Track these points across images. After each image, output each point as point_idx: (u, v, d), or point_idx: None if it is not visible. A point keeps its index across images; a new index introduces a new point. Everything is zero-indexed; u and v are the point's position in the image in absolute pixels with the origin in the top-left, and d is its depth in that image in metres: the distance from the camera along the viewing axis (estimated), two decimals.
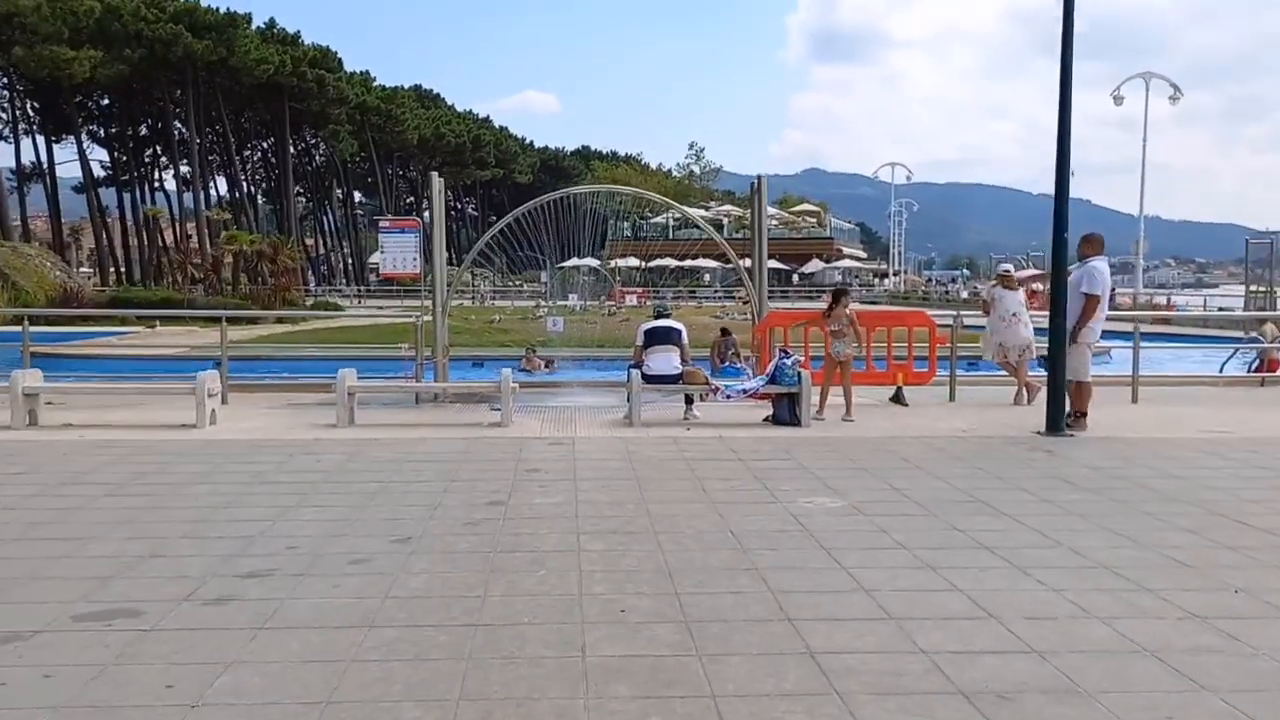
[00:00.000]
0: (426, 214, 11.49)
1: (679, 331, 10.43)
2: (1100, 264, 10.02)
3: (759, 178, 12.61)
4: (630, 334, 25.60)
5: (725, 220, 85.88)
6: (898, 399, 11.82)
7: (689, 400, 10.51)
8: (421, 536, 5.63)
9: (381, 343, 21.26)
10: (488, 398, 10.97)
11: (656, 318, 10.63)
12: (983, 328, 12.28)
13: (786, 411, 10.02)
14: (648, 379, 10.07)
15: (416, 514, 6.18)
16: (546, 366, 20.13)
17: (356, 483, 7.18)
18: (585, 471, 7.60)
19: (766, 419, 10.27)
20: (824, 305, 11.26)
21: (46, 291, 31.87)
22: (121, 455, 8.23)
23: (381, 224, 12.36)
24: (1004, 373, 12.29)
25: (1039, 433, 9.51)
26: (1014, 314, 11.72)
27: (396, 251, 12.22)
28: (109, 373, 17.52)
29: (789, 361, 10.02)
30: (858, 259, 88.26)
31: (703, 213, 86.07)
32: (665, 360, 10.22)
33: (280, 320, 34.28)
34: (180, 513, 6.20)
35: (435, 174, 12.45)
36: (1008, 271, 12.04)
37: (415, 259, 12.17)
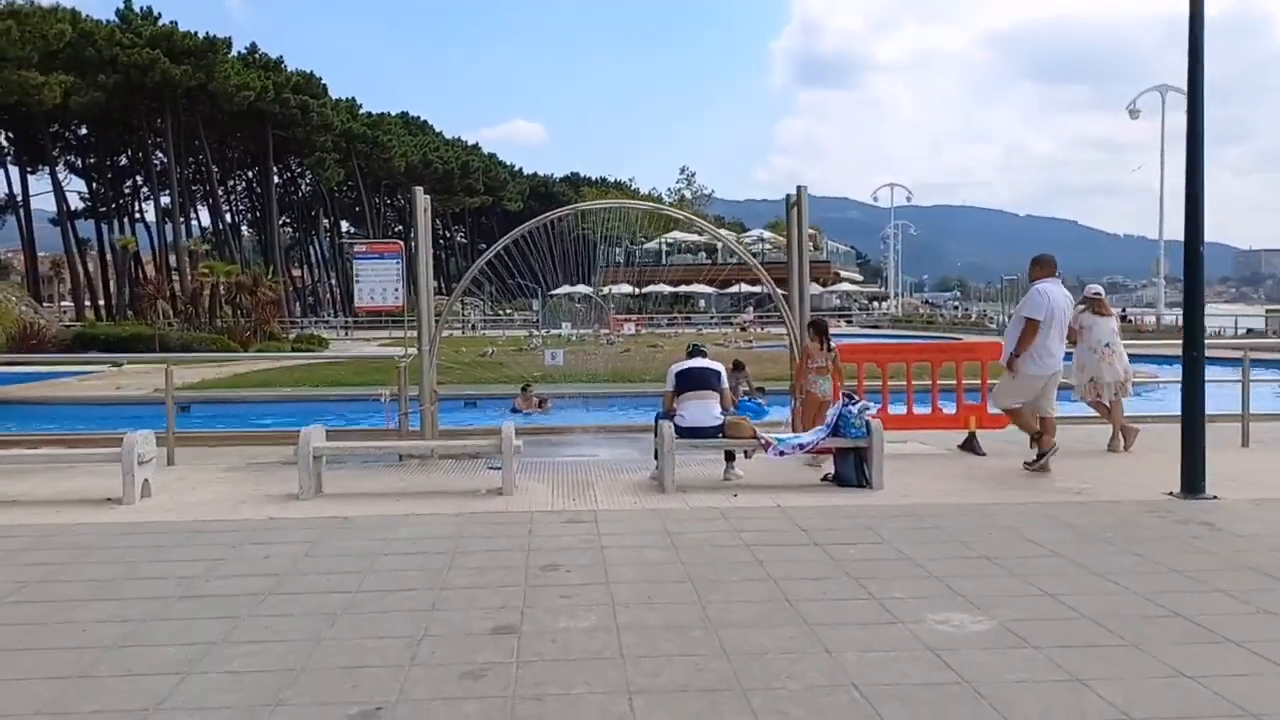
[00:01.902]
0: (414, 238, 9.61)
1: (718, 374, 8.57)
2: (1048, 286, 8.89)
3: (798, 189, 10.80)
4: (633, 366, 23.82)
5: (719, 246, 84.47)
6: (970, 447, 9.99)
7: (730, 456, 8.65)
8: (397, 705, 3.74)
9: (365, 383, 19.35)
10: (484, 453, 9.08)
11: (690, 356, 8.78)
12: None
13: (852, 470, 8.17)
14: (683, 432, 8.20)
15: (392, 655, 4.29)
16: (540, 406, 18.26)
17: (313, 595, 5.27)
18: (620, 568, 5.71)
19: (826, 478, 8.43)
20: (815, 339, 9.60)
21: (6, 329, 29.86)
22: (9, 551, 6.31)
23: (356, 249, 10.49)
24: (1089, 410, 10.48)
25: (1172, 494, 7.66)
26: (1107, 345, 9.92)
27: (374, 281, 10.36)
28: (50, 422, 15.62)
29: (854, 408, 8.17)
30: (854, 282, 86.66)
31: (697, 238, 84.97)
32: (704, 409, 8.35)
33: (260, 353, 32.35)
34: (49, 660, 4.30)
35: (419, 189, 10.61)
36: (1098, 294, 10.22)
37: (397, 289, 10.32)
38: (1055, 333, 8.92)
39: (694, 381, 8.45)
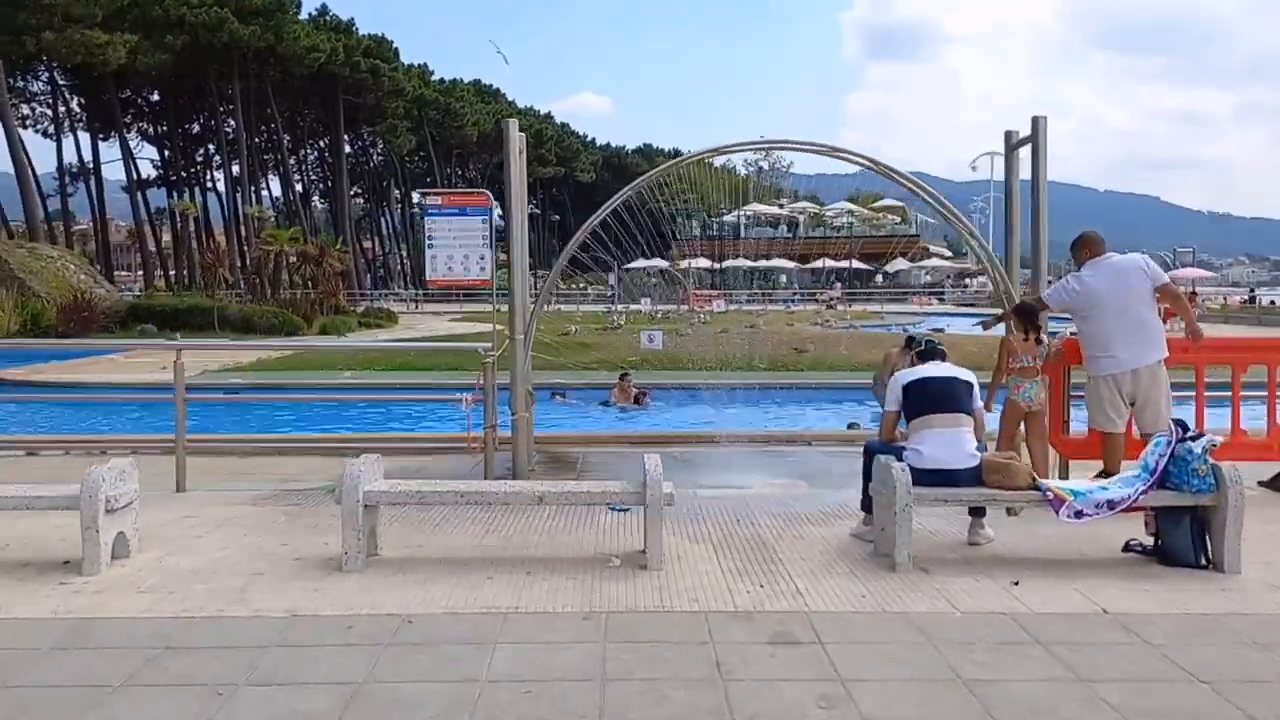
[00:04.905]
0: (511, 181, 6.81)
1: (970, 387, 5.66)
2: (1087, 272, 6.71)
3: (1034, 120, 7.78)
4: (738, 349, 20.89)
5: (801, 217, 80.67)
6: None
7: (979, 511, 5.77)
8: None
9: (436, 369, 16.75)
10: (617, 504, 6.28)
11: (921, 355, 5.88)
12: None
13: (1188, 540, 5.25)
14: (921, 476, 5.31)
15: None
16: (639, 401, 15.50)
17: None
18: None
19: (1133, 547, 5.53)
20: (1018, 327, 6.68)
21: (57, 298, 28.00)
22: None
23: (429, 202, 7.76)
24: None
25: None
26: None
27: (452, 245, 7.65)
28: (79, 410, 13.34)
29: (1197, 446, 5.23)
30: (944, 258, 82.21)
31: (777, 210, 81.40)
32: (953, 442, 5.45)
33: (324, 330, 30.14)
34: None
35: (513, 121, 7.83)
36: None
37: (483, 256, 7.60)
38: (1109, 322, 6.52)
39: (934, 398, 5.55)
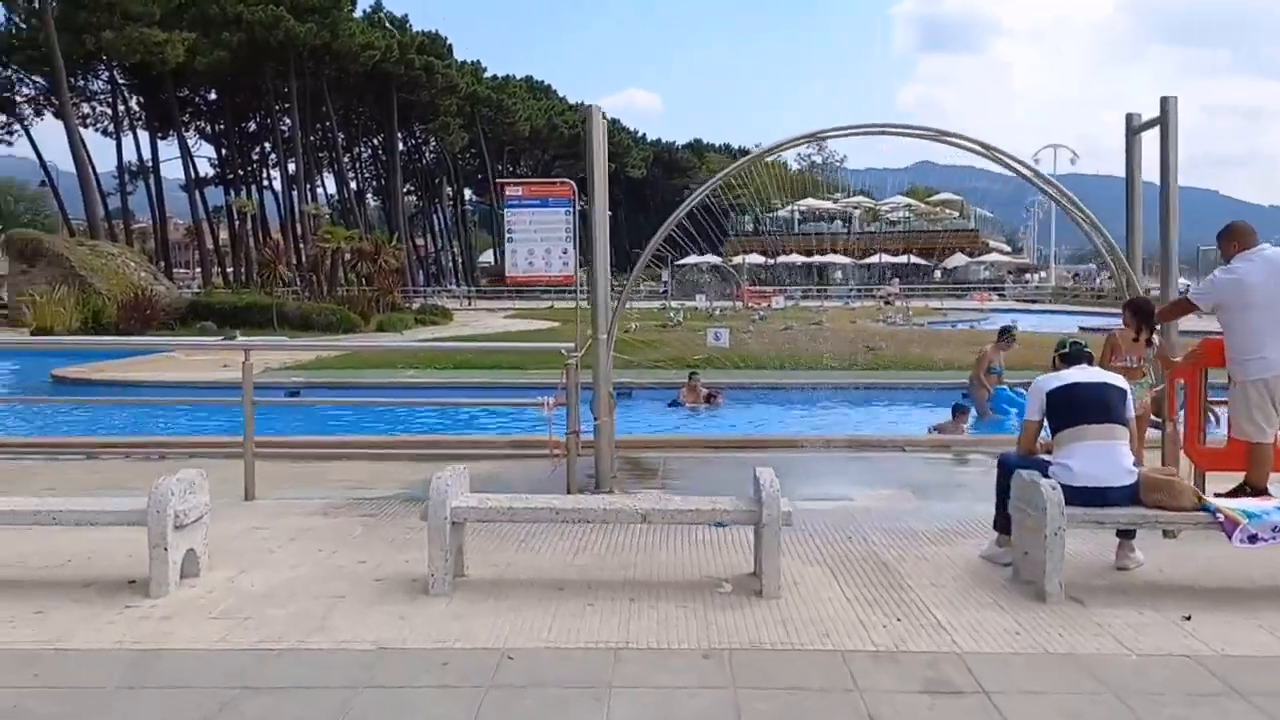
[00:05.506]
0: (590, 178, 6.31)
1: (1123, 394, 5.05)
2: (1240, 264, 5.99)
3: (1163, 101, 7.11)
4: (804, 347, 20.18)
5: (855, 212, 79.34)
6: None
7: (1128, 533, 5.16)
8: None
9: (495, 368, 16.35)
10: (725, 521, 5.77)
11: (1066, 358, 5.26)
12: None
13: None
14: (1072, 495, 4.72)
15: None
16: (709, 401, 14.95)
17: None
18: None
19: None
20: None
21: (118, 296, 28.09)
22: None
23: (509, 192, 7.28)
24: None
25: None
26: None
27: (533, 239, 7.18)
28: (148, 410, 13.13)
29: None
30: (1003, 253, 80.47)
31: (830, 205, 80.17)
32: (1107, 456, 4.85)
33: (381, 327, 29.96)
34: None
35: (596, 106, 7.33)
36: None
37: (565, 250, 7.12)
38: (1260, 320, 5.86)
39: (1084, 407, 4.95)
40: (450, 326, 33.47)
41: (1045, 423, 5.14)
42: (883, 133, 7.47)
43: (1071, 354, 5.21)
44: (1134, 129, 7.63)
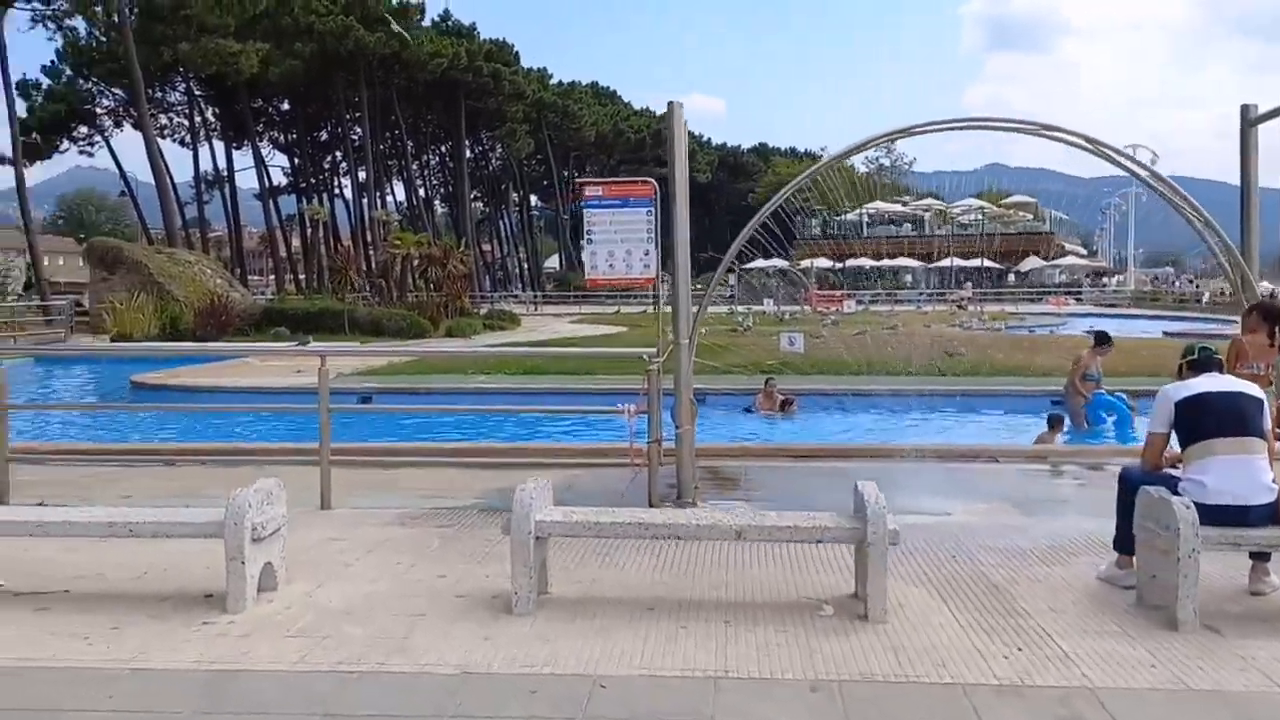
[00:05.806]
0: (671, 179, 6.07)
1: (1259, 403, 4.64)
2: None
3: None
4: (882, 353, 19.67)
5: (925, 215, 77.99)
6: None
7: (1263, 555, 4.74)
8: None
9: (561, 373, 16.16)
10: (825, 539, 5.46)
11: (1194, 366, 4.85)
12: None
13: None
14: (1206, 514, 4.32)
15: None
16: (785, 408, 14.59)
17: None
18: None
19: None
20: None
21: (194, 302, 28.59)
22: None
23: (588, 192, 7.06)
24: None
25: None
26: None
27: (613, 240, 6.94)
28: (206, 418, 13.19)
29: None
30: (1079, 256, 78.47)
31: (900, 208, 78.90)
32: (1245, 472, 4.46)
33: (450, 332, 30.07)
34: None
35: (677, 104, 7.07)
36: None
37: (647, 252, 6.87)
38: None
39: (1217, 419, 4.55)
40: (518, 332, 33.50)
41: (1172, 435, 4.75)
42: (981, 127, 7.09)
43: (1200, 361, 4.81)
44: (1250, 120, 7.19)
